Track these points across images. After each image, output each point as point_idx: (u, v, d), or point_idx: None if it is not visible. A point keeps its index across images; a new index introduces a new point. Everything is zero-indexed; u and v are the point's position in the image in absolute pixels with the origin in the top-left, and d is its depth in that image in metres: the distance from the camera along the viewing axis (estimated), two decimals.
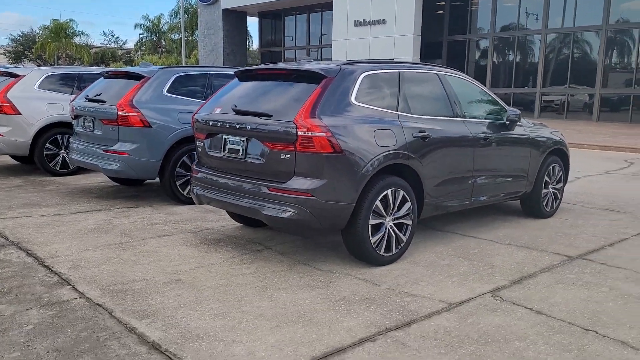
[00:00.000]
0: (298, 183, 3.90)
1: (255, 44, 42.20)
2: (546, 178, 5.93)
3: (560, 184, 6.22)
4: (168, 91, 6.20)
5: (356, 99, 4.19)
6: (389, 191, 4.21)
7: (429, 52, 26.51)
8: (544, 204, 5.96)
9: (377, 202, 4.14)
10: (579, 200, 7.14)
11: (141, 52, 55.07)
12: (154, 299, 3.55)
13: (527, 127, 5.74)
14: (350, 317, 3.32)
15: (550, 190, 6.06)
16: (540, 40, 23.38)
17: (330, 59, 28.88)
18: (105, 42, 62.69)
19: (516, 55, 24.66)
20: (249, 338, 3.02)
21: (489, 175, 5.21)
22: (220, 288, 3.75)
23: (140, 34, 54.37)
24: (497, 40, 25.07)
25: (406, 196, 4.36)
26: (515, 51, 24.60)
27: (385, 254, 4.27)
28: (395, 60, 4.81)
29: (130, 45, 60.99)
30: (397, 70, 4.60)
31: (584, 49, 22.84)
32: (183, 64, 32.51)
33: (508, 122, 5.38)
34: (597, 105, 21.64)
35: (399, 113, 4.43)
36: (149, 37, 53.85)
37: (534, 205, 5.92)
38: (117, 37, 70.86)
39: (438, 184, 4.67)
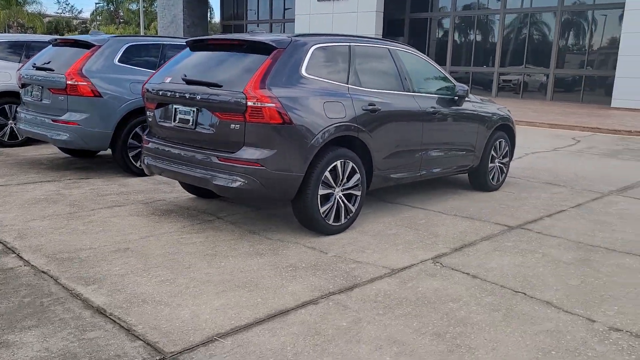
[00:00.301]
0: (248, 153, 3.95)
1: (217, 17, 41.35)
2: (493, 153, 6.16)
3: (507, 159, 6.46)
4: (120, 61, 6.09)
5: (307, 71, 4.24)
6: (338, 162, 4.31)
7: (392, 29, 26.61)
8: (490, 177, 6.20)
9: (327, 173, 4.24)
10: (525, 175, 7.44)
11: (97, 22, 53.19)
12: (101, 266, 3.57)
13: (475, 103, 5.92)
14: (296, 283, 3.44)
15: (497, 164, 6.30)
16: (499, 20, 23.78)
17: None
18: (60, 11, 60.35)
19: (476, 34, 25.02)
20: (195, 302, 3.10)
21: (437, 149, 5.38)
22: (169, 256, 3.80)
23: (96, 3, 52.54)
24: (459, 19, 25.35)
25: (355, 168, 4.47)
26: (475, 31, 24.96)
27: (334, 224, 4.39)
28: (348, 34, 4.84)
29: (86, 15, 58.88)
30: (348, 44, 4.67)
31: (541, 30, 23.38)
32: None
33: (457, 98, 5.54)
34: (552, 85, 22.28)
35: (350, 86, 4.51)
36: (106, 7, 52.00)
37: (480, 178, 6.15)
38: (72, 6, 68.21)
39: (387, 157, 4.81)
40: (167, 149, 4.43)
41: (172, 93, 4.34)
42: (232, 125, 3.97)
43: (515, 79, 23.63)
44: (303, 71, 4.21)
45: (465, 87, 5.51)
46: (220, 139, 4.07)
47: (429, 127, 5.19)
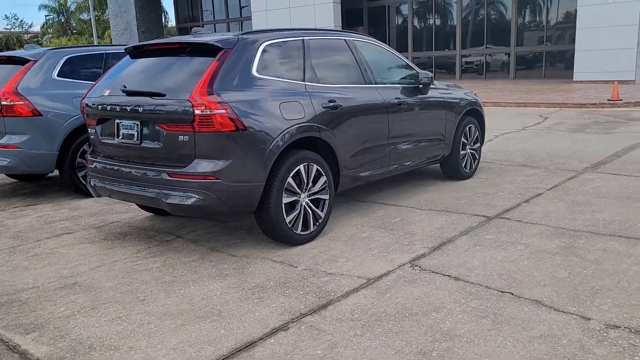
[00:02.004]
0: (200, 166, 3.60)
1: (172, 20, 40.43)
2: (463, 139, 5.92)
3: (478, 144, 6.24)
4: (59, 75, 5.64)
5: (258, 71, 3.90)
6: (301, 166, 3.99)
7: (350, 19, 26.35)
8: (463, 165, 5.97)
9: (289, 179, 3.92)
10: (497, 158, 7.25)
11: (49, 35, 51.61)
12: (44, 308, 3.18)
13: (441, 90, 5.66)
14: (263, 306, 3.11)
15: (468, 151, 6.07)
16: (456, 2, 23.73)
17: None
18: (9, 26, 58.28)
19: (435, 19, 24.93)
20: (149, 342, 2.74)
21: (406, 141, 5.11)
22: (121, 288, 3.43)
23: (45, 16, 50.87)
24: (417, 4, 25.22)
25: (320, 170, 4.16)
26: (434, 15, 24.86)
27: (302, 233, 4.07)
28: (300, 28, 4.50)
29: (37, 28, 57.04)
30: (301, 38, 4.34)
31: (498, 9, 23.41)
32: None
33: (421, 86, 5.28)
34: (513, 63, 22.36)
35: (306, 83, 4.19)
36: (57, 19, 50.41)
37: (453, 167, 5.91)
38: (22, 21, 66.00)
39: (353, 155, 4.51)
40: (113, 168, 4.04)
41: (113, 107, 3.95)
42: (181, 137, 3.61)
43: (478, 60, 23.65)
44: (254, 71, 3.87)
45: (429, 74, 5.24)
46: (169, 153, 3.71)
47: (395, 119, 4.91)
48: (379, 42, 5.21)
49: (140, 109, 3.74)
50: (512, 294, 3.15)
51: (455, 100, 5.77)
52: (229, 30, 32.09)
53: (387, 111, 4.82)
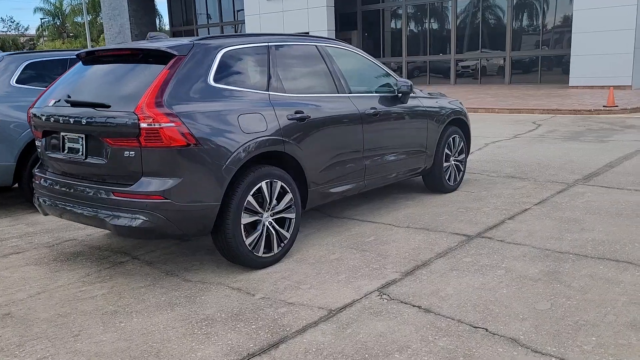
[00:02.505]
0: (147, 185, 3.28)
1: (167, 24, 40.15)
2: (447, 151, 5.61)
3: (463, 155, 5.93)
4: (18, 81, 5.33)
5: (215, 80, 3.59)
6: (263, 184, 3.67)
7: (344, 23, 26.10)
8: (447, 178, 5.66)
9: (250, 198, 3.60)
10: (485, 168, 6.94)
11: (45, 38, 51.36)
12: None
13: (422, 98, 5.36)
14: (209, 344, 2.79)
15: (452, 162, 5.76)
16: (451, 6, 23.48)
17: None
18: (5, 29, 58.05)
19: (430, 22, 24.68)
20: None
21: (382, 153, 4.79)
22: (57, 320, 3.10)
23: (41, 19, 50.59)
24: (412, 8, 24.98)
25: (286, 187, 3.84)
26: (429, 19, 24.61)
27: (265, 255, 3.75)
28: (266, 33, 4.19)
29: (33, 31, 56.81)
30: (266, 44, 4.03)
31: (494, 13, 23.17)
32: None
33: (400, 95, 4.97)
34: (509, 68, 22.10)
35: (271, 93, 3.87)
36: (52, 22, 50.13)
37: (435, 180, 5.60)
38: (18, 23, 65.83)
39: (324, 169, 4.19)
40: (61, 185, 3.72)
41: (57, 118, 3.64)
42: (127, 153, 3.29)
43: (473, 65, 23.39)
44: (211, 80, 3.56)
45: (409, 82, 4.93)
46: (115, 170, 3.39)
47: (370, 130, 4.60)
48: (355, 48, 4.90)
49: (84, 121, 3.43)
50: (487, 330, 2.83)
51: (437, 110, 5.46)
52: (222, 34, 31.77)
53: (361, 122, 4.50)
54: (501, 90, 18.73)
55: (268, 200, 3.73)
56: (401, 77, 5.09)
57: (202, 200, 3.38)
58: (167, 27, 38.71)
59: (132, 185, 3.30)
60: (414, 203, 5.39)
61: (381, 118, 4.73)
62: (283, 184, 3.82)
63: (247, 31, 26.55)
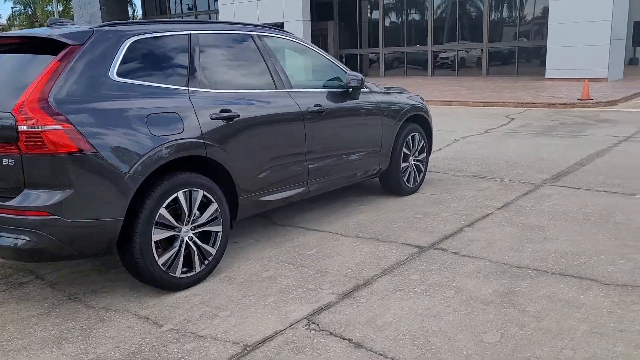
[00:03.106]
0: (30, 199, 2.77)
1: (140, 13, 39.10)
2: (405, 150, 5.17)
3: (423, 155, 5.50)
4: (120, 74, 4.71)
5: (120, 74, 3.09)
6: (180, 194, 3.19)
7: (320, 13, 25.53)
8: (405, 179, 5.22)
9: (162, 210, 3.12)
10: (451, 167, 6.53)
11: (15, 27, 49.80)
12: None
13: (377, 93, 4.90)
14: None
15: (412, 162, 5.32)
16: None
17: None
18: None
19: (408, 13, 24.22)
20: None
21: (330, 155, 4.33)
22: None
23: (12, 8, 49.06)
24: None
25: (209, 196, 3.36)
26: (406, 9, 24.15)
27: (184, 275, 3.28)
28: (188, 20, 3.64)
29: (4, 20, 55.08)
30: (188, 32, 3.52)
31: (472, 4, 22.80)
32: None
33: (351, 90, 4.50)
34: (486, 60, 21.78)
35: (191, 89, 3.38)
36: (23, 11, 48.62)
37: (393, 182, 5.16)
38: None
39: (258, 175, 3.72)
40: None
41: None
42: (5, 161, 2.78)
43: (450, 56, 23.02)
44: (114, 74, 3.06)
45: (359, 76, 4.46)
46: None
47: (315, 129, 4.14)
48: (298, 38, 4.42)
49: None
50: None
51: (394, 106, 5.01)
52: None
53: (304, 120, 4.03)
54: (477, 83, 18.40)
55: (187, 213, 3.25)
56: (353, 71, 4.62)
57: (101, 215, 2.88)
58: (140, 17, 37.71)
59: (13, 199, 2.79)
60: (369, 208, 4.95)
61: (328, 116, 4.26)
62: (206, 193, 3.34)
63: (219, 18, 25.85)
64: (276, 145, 3.84)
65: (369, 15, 25.36)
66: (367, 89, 4.78)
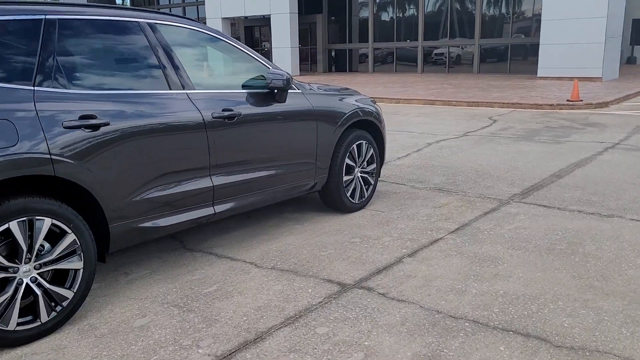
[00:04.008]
0: None
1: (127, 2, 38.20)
2: (348, 161, 4.46)
3: (373, 166, 4.78)
4: None
5: None
6: (12, 224, 2.49)
7: (308, 6, 24.76)
8: (348, 195, 4.52)
9: None
10: (413, 177, 5.83)
11: None
12: None
13: (312, 95, 4.18)
14: None
15: (358, 175, 4.62)
16: None
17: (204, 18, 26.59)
18: None
19: (399, 8, 23.44)
20: None
21: (244, 169, 3.62)
22: None
23: None
24: None
25: (63, 225, 2.66)
26: (397, 4, 23.36)
27: (22, 328, 2.57)
28: (53, 1, 2.91)
29: None
30: (42, 17, 2.79)
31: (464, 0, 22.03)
32: None
33: (276, 91, 3.79)
34: (477, 57, 21.04)
35: (37, 89, 2.66)
36: None
37: (333, 197, 4.46)
38: None
39: (138, 196, 3.01)
40: None
41: None
42: None
43: (440, 52, 22.26)
44: None
45: (285, 74, 3.73)
46: None
47: (223, 138, 3.43)
48: (208, 27, 3.68)
49: None
50: None
51: (334, 110, 4.30)
52: (184, 14, 30.25)
53: (206, 129, 3.32)
54: (466, 81, 17.66)
55: (24, 248, 2.54)
56: (279, 69, 3.90)
57: None
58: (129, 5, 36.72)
59: None
60: (302, 228, 4.25)
61: (242, 122, 3.55)
62: (57, 221, 2.63)
63: (207, 10, 25.08)
64: (165, 159, 3.12)
65: (359, 9, 24.58)
66: (298, 90, 4.07)
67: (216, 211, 3.48)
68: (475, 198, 4.97)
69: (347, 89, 4.87)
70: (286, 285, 3.23)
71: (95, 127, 2.78)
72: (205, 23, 26.08)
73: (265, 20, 25.15)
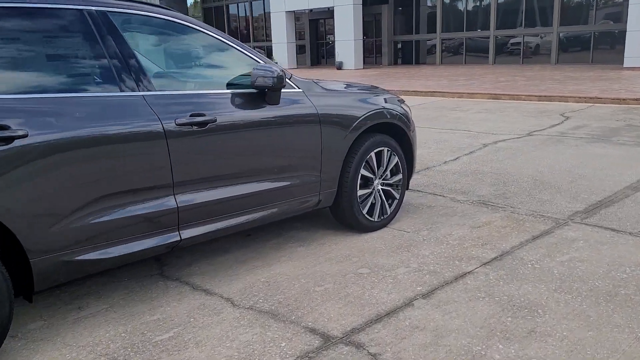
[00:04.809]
0: None
1: None
2: (364, 172, 3.74)
3: (399, 177, 4.02)
4: None
5: None
6: None
7: None
8: (365, 211, 3.79)
9: None
10: (457, 186, 4.99)
11: None
12: None
13: (316, 96, 3.48)
14: None
15: (378, 188, 3.88)
16: None
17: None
18: None
19: None
20: None
21: (219, 186, 3.00)
22: None
23: None
24: None
25: None
26: None
27: None
28: None
29: None
30: None
31: None
32: None
33: (267, 91, 3.14)
34: (556, 46, 19.30)
35: None
36: None
37: (346, 214, 3.76)
38: None
39: (68, 224, 2.46)
40: None
41: None
42: None
43: (514, 42, 20.65)
44: None
45: (276, 70, 3.05)
46: None
47: (190, 149, 2.83)
48: (180, 15, 3.07)
49: None
50: None
51: (345, 112, 3.58)
52: (251, 8, 30.49)
53: (166, 138, 2.73)
54: (541, 72, 16.15)
55: None
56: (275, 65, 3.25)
57: None
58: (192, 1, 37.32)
59: None
60: (305, 251, 3.58)
61: (217, 129, 2.93)
62: None
63: (271, 5, 24.80)
64: (107, 178, 2.56)
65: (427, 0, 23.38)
66: (298, 89, 3.39)
67: (183, 237, 2.89)
68: (525, 216, 4.09)
69: (374, 87, 4.14)
70: (257, 335, 2.58)
71: (7, 140, 2.25)
72: (270, 16, 25.82)
73: (329, 13, 24.53)
